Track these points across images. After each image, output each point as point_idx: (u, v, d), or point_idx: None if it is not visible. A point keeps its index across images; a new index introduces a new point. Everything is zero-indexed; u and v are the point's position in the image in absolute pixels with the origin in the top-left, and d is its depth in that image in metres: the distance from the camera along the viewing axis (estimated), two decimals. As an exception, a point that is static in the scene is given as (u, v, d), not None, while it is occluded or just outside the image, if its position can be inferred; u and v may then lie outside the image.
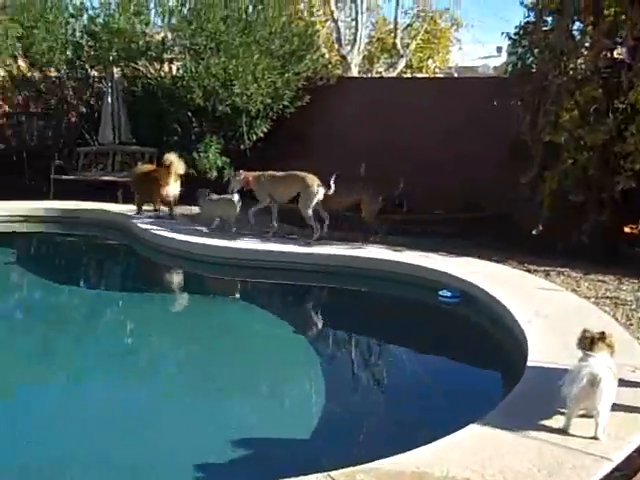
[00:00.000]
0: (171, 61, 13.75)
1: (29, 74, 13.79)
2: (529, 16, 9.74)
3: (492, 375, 6.43)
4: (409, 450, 4.02)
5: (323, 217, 9.84)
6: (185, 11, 13.35)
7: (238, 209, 10.05)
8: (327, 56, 15.81)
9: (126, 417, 5.33)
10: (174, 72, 13.62)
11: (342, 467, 3.84)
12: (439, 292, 7.61)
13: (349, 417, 5.48)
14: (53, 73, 13.79)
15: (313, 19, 17.80)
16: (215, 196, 10.38)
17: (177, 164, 10.86)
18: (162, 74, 13.49)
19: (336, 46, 21.48)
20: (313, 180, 9.70)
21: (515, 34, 9.81)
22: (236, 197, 10.04)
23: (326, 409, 5.45)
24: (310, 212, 9.63)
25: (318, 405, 5.54)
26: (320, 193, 9.60)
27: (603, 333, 4.34)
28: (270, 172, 10.22)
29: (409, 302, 8.21)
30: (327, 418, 5.30)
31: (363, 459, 3.95)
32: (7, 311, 8.48)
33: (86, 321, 8.24)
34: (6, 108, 13.94)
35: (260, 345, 7.21)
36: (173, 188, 10.93)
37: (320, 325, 7.91)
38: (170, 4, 13.41)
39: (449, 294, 7.55)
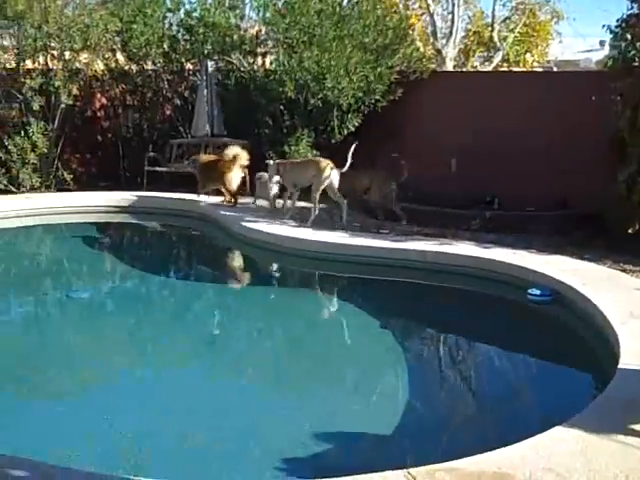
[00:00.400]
0: (264, 55, 13.85)
1: (126, 67, 14.10)
2: (632, 8, 9.38)
3: (581, 376, 6.22)
4: (491, 450, 3.92)
5: (340, 202, 10.27)
6: (280, 4, 13.40)
7: (272, 191, 11.07)
8: (421, 50, 15.60)
9: (212, 406, 5.43)
10: (267, 65, 13.71)
11: (422, 464, 3.78)
12: (528, 290, 7.40)
13: (432, 414, 5.43)
14: (149, 66, 14.06)
15: (409, 12, 17.62)
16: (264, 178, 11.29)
17: (241, 155, 11.42)
18: (255, 67, 13.58)
19: (431, 39, 21.23)
20: (327, 163, 10.17)
21: (616, 27, 9.45)
22: (274, 179, 10.90)
23: (409, 405, 5.43)
24: (318, 195, 10.17)
25: (402, 401, 5.51)
26: (333, 176, 10.09)
27: None
28: (291, 160, 11.30)
29: (496, 300, 8.02)
30: (410, 414, 5.26)
31: (444, 457, 3.88)
32: (99, 299, 8.72)
33: (176, 310, 8.39)
34: (104, 101, 14.29)
35: (345, 339, 7.19)
36: (236, 178, 11.54)
37: (406, 321, 7.79)
38: (265, -2, 13.51)
39: (538, 292, 7.33)
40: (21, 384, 5.86)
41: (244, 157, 11.47)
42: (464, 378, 6.42)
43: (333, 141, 12.53)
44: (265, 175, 11.21)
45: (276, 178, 10.87)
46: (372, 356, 6.69)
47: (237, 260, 10.63)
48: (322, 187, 10.16)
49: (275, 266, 9.88)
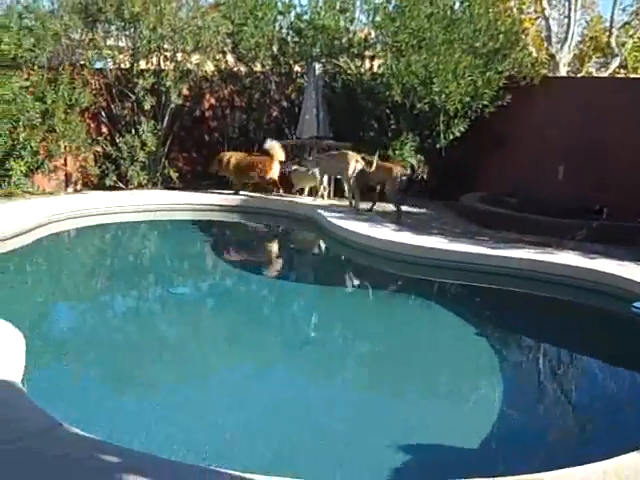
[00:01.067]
0: (372, 58, 13.81)
1: (236, 69, 14.30)
2: None
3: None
4: (578, 465, 3.74)
5: (354, 191, 11.44)
6: (390, 8, 13.33)
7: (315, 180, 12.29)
8: (534, 54, 15.17)
9: (305, 406, 5.45)
10: (374, 69, 13.64)
11: (509, 475, 3.70)
12: (634, 304, 7.06)
13: (523, 425, 5.27)
14: (258, 68, 14.21)
15: (522, 16, 17.21)
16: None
17: (279, 151, 12.41)
18: (362, 71, 13.53)
19: (545, 44, 20.66)
20: (353, 156, 11.30)
21: None
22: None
23: (501, 414, 5.30)
24: (349, 185, 11.48)
25: (493, 410, 5.37)
26: (360, 168, 11.24)
27: None
28: (326, 153, 12.23)
29: (597, 311, 7.72)
30: (501, 423, 5.15)
31: (530, 469, 3.76)
32: (199, 296, 8.85)
33: (272, 310, 8.42)
34: (212, 101, 14.53)
35: (439, 344, 7.04)
36: (274, 173, 12.46)
37: (503, 330, 7.58)
38: (376, 1, 13.45)
39: (646, 306, 7.00)
40: (121, 375, 5.99)
41: (281, 154, 12.46)
42: (559, 390, 6.20)
43: (438, 146, 12.34)
44: (301, 169, 12.45)
45: (315, 171, 12.02)
46: (466, 363, 6.54)
47: (335, 262, 10.59)
48: (351, 177, 11.34)
49: (372, 269, 9.78)
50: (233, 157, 12.76)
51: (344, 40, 13.66)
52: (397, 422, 5.19)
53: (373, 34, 13.80)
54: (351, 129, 13.07)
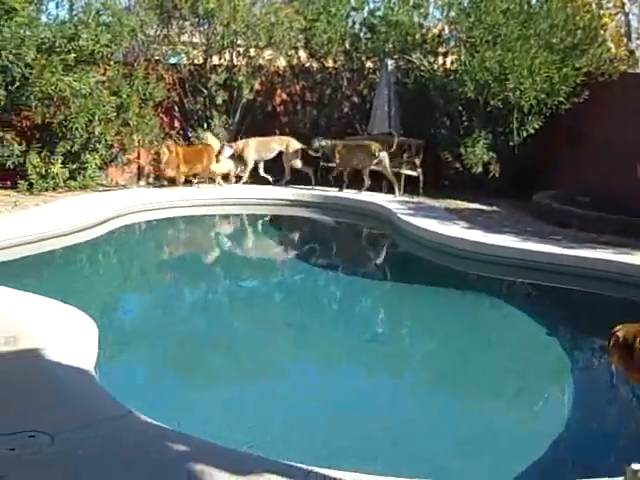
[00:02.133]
0: (445, 54, 13.62)
1: (308, 64, 14.30)
2: None
3: None
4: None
5: (392, 181, 12.06)
6: (465, 3, 13.15)
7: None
8: (613, 50, 14.76)
9: (367, 402, 5.42)
10: (447, 65, 13.47)
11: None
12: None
13: (593, 429, 5.09)
14: (330, 64, 14.18)
15: (601, 12, 16.74)
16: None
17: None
18: (435, 67, 13.36)
19: (624, 40, 20.09)
20: (377, 146, 11.97)
21: None
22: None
23: (571, 418, 5.15)
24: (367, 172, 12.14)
25: (563, 413, 5.22)
26: (383, 157, 11.94)
27: None
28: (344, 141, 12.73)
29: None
30: (571, 427, 5.00)
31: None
32: (268, 289, 8.89)
33: (342, 306, 8.40)
34: (284, 96, 14.55)
35: (511, 345, 6.91)
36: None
37: (572, 330, 7.40)
38: (451, -4, 13.30)
39: None
40: (189, 366, 6.04)
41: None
42: (633, 393, 5.96)
43: (511, 143, 12.12)
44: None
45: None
46: (537, 364, 6.40)
47: (405, 258, 10.49)
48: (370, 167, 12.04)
49: (444, 266, 9.64)
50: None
51: (417, 36, 13.52)
52: (464, 423, 5.09)
53: (447, 30, 13.64)
54: (422, 126, 12.94)
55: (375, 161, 11.99)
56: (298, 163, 12.71)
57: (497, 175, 12.08)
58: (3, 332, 5.41)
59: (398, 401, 5.48)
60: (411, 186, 12.23)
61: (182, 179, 12.26)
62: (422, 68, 13.32)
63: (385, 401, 5.47)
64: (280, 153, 12.77)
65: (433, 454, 4.59)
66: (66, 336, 5.53)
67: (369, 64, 14.26)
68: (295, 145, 12.66)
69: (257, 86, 13.64)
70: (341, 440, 4.72)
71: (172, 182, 12.27)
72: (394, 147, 12.01)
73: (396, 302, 8.42)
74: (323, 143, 12.58)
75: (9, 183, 11.51)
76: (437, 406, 5.45)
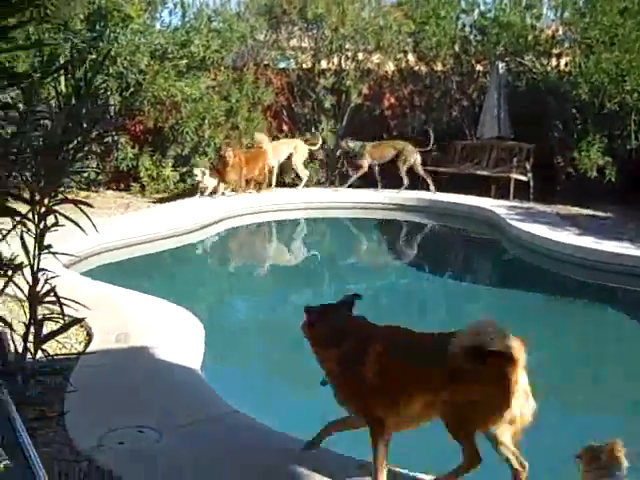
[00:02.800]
0: (559, 56, 13.24)
1: (416, 68, 14.17)
2: None
3: None
4: None
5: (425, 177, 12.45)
6: (580, 3, 12.75)
7: None
8: None
9: None
10: (561, 67, 13.08)
11: None
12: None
13: None
14: (439, 67, 14.02)
15: None
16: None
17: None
18: (548, 69, 13.01)
19: None
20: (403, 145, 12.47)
21: None
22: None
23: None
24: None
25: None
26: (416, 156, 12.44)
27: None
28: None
29: None
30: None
31: None
32: (373, 294, 8.81)
33: (446, 312, 8.24)
34: (392, 100, 14.48)
35: (628, 355, 6.59)
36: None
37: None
38: (565, -3, 12.92)
39: None
40: (293, 368, 6.03)
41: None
42: None
43: (628, 147, 11.63)
44: None
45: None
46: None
47: (513, 265, 10.20)
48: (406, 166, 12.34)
49: (553, 273, 9.33)
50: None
51: (530, 37, 13.20)
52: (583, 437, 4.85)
53: (561, 31, 13.25)
54: (534, 130, 12.58)
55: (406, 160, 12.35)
56: (419, 169, 12.51)
57: (613, 180, 11.63)
58: (115, 330, 5.54)
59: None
60: (521, 191, 11.91)
61: (244, 183, 12.03)
62: (534, 70, 13.01)
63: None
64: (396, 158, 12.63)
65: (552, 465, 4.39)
66: (174, 335, 5.61)
67: (479, 67, 14.02)
68: (411, 150, 12.50)
69: (365, 90, 13.62)
70: (448, 448, 4.59)
71: (213, 192, 11.78)
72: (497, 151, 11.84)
73: (502, 309, 8.19)
74: (351, 144, 12.60)
75: (122, 185, 11.88)
76: (551, 418, 5.23)
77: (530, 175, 12.01)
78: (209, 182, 11.50)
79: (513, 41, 13.20)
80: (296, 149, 12.52)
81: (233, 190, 11.84)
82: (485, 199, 11.84)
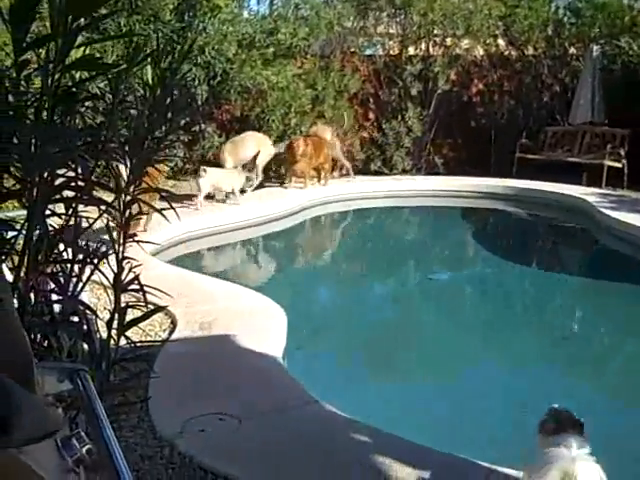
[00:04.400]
0: (658, 37, 12.71)
1: (506, 53, 13.84)
2: None
3: None
4: None
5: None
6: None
7: None
8: None
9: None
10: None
11: None
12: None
13: None
14: (530, 51, 13.65)
15: None
16: None
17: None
18: (645, 51, 12.51)
19: None
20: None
21: None
22: None
23: None
24: None
25: None
26: None
27: None
28: None
29: None
30: None
31: None
32: (458, 283, 8.69)
33: (531, 302, 8.06)
34: (480, 86, 14.18)
35: None
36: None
37: None
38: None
39: None
40: (374, 358, 6.01)
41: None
42: None
43: None
44: None
45: None
46: None
47: (606, 254, 9.89)
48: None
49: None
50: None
51: (626, 19, 12.72)
52: None
53: (659, 11, 12.74)
54: (629, 114, 12.13)
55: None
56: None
57: None
58: (199, 317, 5.61)
59: (590, 405, 5.11)
60: (615, 179, 11.50)
61: (312, 173, 11.68)
62: (631, 53, 12.51)
63: (576, 404, 5.14)
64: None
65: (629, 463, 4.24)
66: (257, 323, 5.65)
67: (572, 50, 13.59)
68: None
69: (453, 76, 13.38)
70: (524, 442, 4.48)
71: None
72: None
73: (591, 299, 7.96)
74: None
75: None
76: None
77: (624, 162, 11.59)
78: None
79: (608, 23, 12.77)
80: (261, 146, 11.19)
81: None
82: (576, 187, 11.49)
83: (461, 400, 5.10)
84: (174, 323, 5.52)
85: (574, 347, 6.49)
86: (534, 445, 3.15)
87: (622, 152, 11.72)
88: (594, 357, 6.30)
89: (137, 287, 3.57)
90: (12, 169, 2.91)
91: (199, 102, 10.60)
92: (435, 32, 13.25)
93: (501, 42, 13.81)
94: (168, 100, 3.66)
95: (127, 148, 3.59)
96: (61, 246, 3.18)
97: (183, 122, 4.25)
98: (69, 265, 3.19)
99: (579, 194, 11.00)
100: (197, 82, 10.60)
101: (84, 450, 1.60)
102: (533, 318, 7.40)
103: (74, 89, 3.06)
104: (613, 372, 6.01)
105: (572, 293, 8.38)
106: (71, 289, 3.23)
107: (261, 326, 5.60)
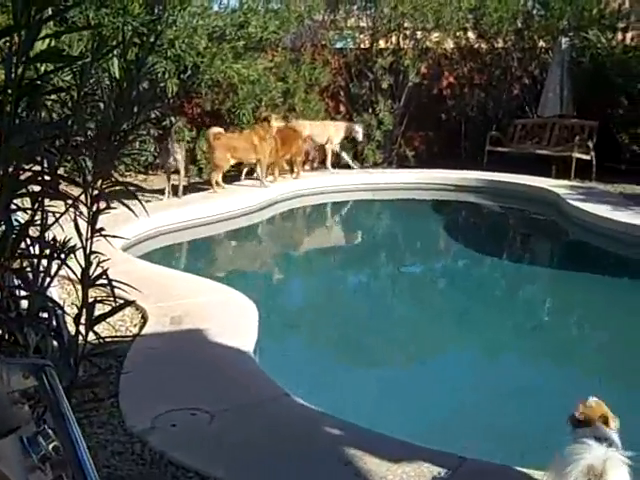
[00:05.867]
0: (625, 30, 12.83)
1: (476, 46, 13.89)
2: None
3: None
4: None
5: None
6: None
7: None
8: None
9: (521, 390, 5.18)
10: (627, 41, 12.69)
11: None
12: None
13: None
14: (500, 44, 13.72)
15: None
16: None
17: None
18: (613, 44, 12.61)
19: None
20: None
21: None
22: None
23: None
24: None
25: None
26: None
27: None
28: None
29: None
30: None
31: None
32: (429, 275, 8.74)
33: (503, 294, 8.12)
34: (451, 79, 14.22)
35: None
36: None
37: None
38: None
39: None
40: (345, 351, 6.03)
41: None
42: None
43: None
44: None
45: None
46: None
47: (573, 245, 10.00)
48: None
49: (615, 255, 9.08)
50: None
51: (594, 11, 12.82)
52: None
53: (627, 3, 12.84)
54: (598, 107, 12.26)
55: None
56: None
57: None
58: (169, 313, 5.58)
59: (561, 390, 5.16)
60: (583, 171, 11.59)
61: (284, 166, 11.61)
62: (599, 45, 12.62)
63: (547, 391, 5.20)
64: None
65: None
66: (228, 318, 5.63)
67: (541, 43, 13.67)
68: None
69: (423, 69, 13.42)
70: (499, 430, 4.52)
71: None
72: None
73: (560, 289, 8.05)
74: None
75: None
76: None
77: (593, 154, 11.69)
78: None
79: (577, 15, 12.85)
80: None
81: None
82: (545, 179, 11.57)
83: (432, 390, 5.15)
84: (145, 318, 5.49)
85: (543, 337, 6.56)
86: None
87: (590, 144, 11.82)
88: (562, 346, 6.36)
89: (106, 282, 3.53)
90: (-25, 163, 2.87)
91: (169, 96, 10.53)
92: (405, 25, 13.26)
93: (471, 35, 13.84)
94: (135, 93, 3.62)
95: (92, 142, 3.55)
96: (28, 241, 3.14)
97: (153, 116, 4.22)
98: (36, 260, 3.16)
99: (548, 186, 11.08)
100: (167, 76, 10.51)
101: (50, 447, 1.58)
102: (502, 309, 7.45)
103: (39, 82, 3.02)
104: (581, 361, 6.08)
105: (541, 284, 8.46)
106: (39, 285, 3.19)
107: (232, 320, 5.58)
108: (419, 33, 13.31)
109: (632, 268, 8.54)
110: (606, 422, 3.14)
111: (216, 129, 10.68)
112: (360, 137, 12.26)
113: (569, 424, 3.21)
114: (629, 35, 12.73)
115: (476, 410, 4.85)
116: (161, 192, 9.89)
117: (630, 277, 8.19)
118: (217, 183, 10.45)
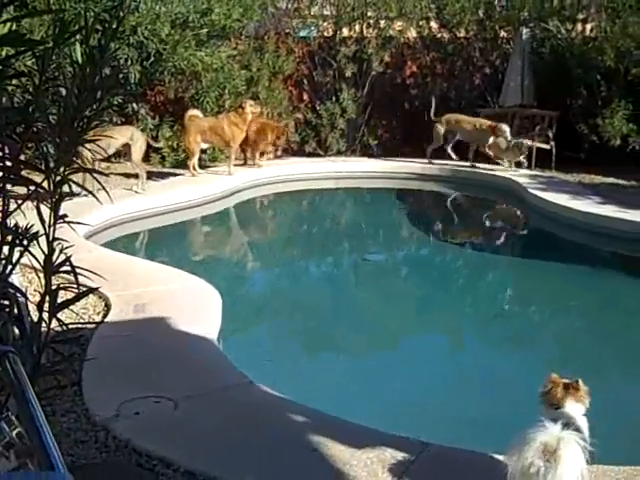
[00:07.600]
0: (584, 21, 12.96)
1: (439, 35, 13.95)
2: None
3: None
4: None
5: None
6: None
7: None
8: None
9: (482, 377, 5.30)
10: (586, 32, 12.83)
11: None
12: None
13: None
14: (462, 34, 13.79)
15: None
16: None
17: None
18: (573, 34, 12.76)
19: None
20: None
21: None
22: None
23: None
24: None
25: None
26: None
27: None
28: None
29: None
30: None
31: None
32: (393, 263, 8.80)
33: (465, 282, 8.21)
34: (414, 69, 14.27)
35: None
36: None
37: None
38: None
39: None
40: (309, 339, 6.06)
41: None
42: None
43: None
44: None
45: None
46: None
47: (534, 234, 10.13)
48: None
49: (574, 243, 9.22)
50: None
51: (555, 2, 12.91)
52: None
53: (589, -6, 13.00)
54: (558, 97, 12.39)
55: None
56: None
57: (638, 147, 11.42)
58: (133, 300, 5.56)
59: (522, 378, 5.26)
60: (544, 160, 11.73)
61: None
62: (559, 36, 12.75)
63: (508, 377, 5.29)
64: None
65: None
66: (192, 306, 5.63)
67: (503, 33, 13.77)
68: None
69: (387, 58, 13.42)
70: (461, 416, 4.59)
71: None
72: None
73: (520, 277, 8.16)
74: None
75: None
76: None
77: (553, 143, 11.82)
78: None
79: (537, 6, 12.94)
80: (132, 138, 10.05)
81: None
82: (506, 168, 11.68)
83: (396, 377, 5.20)
84: (108, 306, 5.47)
85: (503, 323, 6.65)
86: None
87: (550, 134, 11.95)
88: (522, 332, 6.46)
89: (69, 269, 3.51)
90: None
91: (132, 82, 10.43)
92: (369, 14, 13.28)
93: (434, 24, 13.88)
94: (98, 79, 3.60)
95: (56, 128, 3.53)
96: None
97: (116, 102, 4.19)
98: (-3, 247, 3.14)
99: (509, 175, 11.21)
100: (130, 63, 10.41)
101: (14, 434, 1.58)
102: (464, 296, 7.55)
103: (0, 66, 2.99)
104: (542, 346, 6.17)
105: (502, 271, 8.57)
106: (0, 271, 3.17)
107: (196, 308, 5.58)
108: (382, 22, 13.32)
109: (590, 255, 8.71)
110: (575, 388, 3.31)
111: (193, 111, 10.85)
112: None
113: (541, 401, 3.33)
114: (589, 26, 12.84)
115: (440, 396, 4.92)
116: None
117: (589, 264, 8.34)
118: (194, 167, 10.68)
